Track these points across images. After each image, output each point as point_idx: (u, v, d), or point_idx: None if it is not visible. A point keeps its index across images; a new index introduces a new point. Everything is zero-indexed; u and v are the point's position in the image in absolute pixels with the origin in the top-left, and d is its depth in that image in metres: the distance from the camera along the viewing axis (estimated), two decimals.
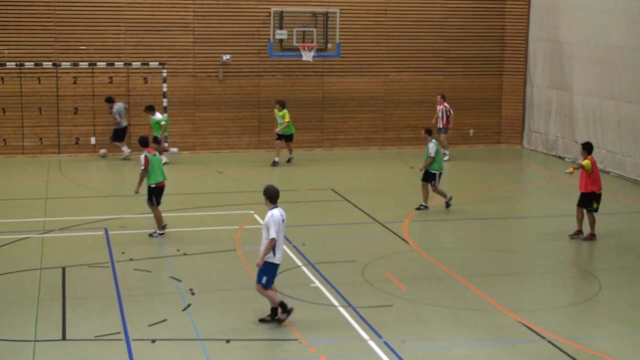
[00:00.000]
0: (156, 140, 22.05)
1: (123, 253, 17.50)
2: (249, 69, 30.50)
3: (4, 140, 28.92)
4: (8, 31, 28.79)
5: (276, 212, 13.57)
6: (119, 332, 13.29)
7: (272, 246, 13.41)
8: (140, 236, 19.00)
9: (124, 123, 28.84)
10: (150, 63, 29.82)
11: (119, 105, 28.74)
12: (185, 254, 17.53)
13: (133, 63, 29.69)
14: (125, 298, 14.88)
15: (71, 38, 29.22)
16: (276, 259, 13.57)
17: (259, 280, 13.59)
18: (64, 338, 13.12)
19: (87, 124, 29.60)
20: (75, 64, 29.28)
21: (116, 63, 29.58)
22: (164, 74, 29.91)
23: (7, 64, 28.84)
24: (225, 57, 30.07)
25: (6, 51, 28.74)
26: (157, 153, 19.10)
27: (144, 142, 18.98)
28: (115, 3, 29.27)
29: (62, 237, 18.92)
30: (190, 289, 15.33)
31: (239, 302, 14.88)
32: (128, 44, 29.66)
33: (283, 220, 13.64)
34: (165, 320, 13.82)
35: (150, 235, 18.82)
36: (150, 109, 27.41)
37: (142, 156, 18.67)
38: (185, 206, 21.71)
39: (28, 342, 12.91)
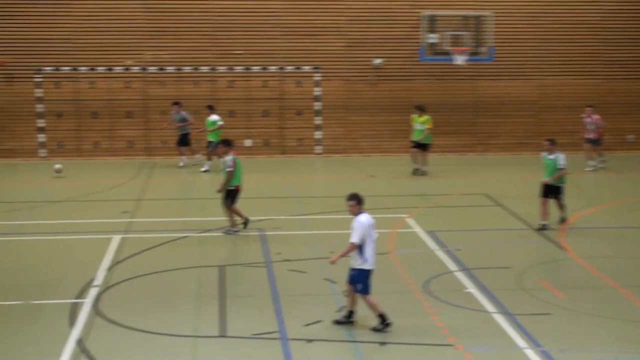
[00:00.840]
0: (211, 145, 21.84)
1: (278, 254, 17.77)
2: (400, 72, 30.52)
3: (164, 141, 29.89)
4: (167, 36, 29.74)
5: (363, 218, 13.41)
6: (276, 331, 13.48)
7: (351, 250, 13.33)
8: (295, 237, 19.26)
9: (188, 129, 28.64)
10: (304, 67, 30.21)
11: (183, 113, 28.52)
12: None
13: (287, 67, 30.16)
14: (282, 298, 15.08)
15: (227, 43, 29.94)
16: (367, 265, 13.48)
17: (355, 290, 13.59)
18: (223, 335, 13.41)
19: (242, 126, 30.27)
20: (230, 68, 29.97)
21: (270, 67, 30.11)
22: (317, 78, 30.24)
23: (167, 68, 29.80)
24: (377, 61, 30.16)
25: (166, 56, 29.70)
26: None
27: (228, 144, 19.45)
28: (269, 8, 29.85)
29: (219, 236, 19.37)
30: (344, 291, 15.37)
31: (392, 305, 14.81)
32: (282, 48, 30.16)
33: (371, 225, 13.45)
34: (320, 321, 13.93)
35: (226, 232, 19.22)
36: (211, 108, 27.56)
37: (230, 158, 19.09)
38: (336, 209, 21.85)
39: (188, 338, 13.24)
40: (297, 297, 15.23)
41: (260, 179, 26.90)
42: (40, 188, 25.93)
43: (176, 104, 28.22)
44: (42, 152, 30.08)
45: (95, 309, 14.39)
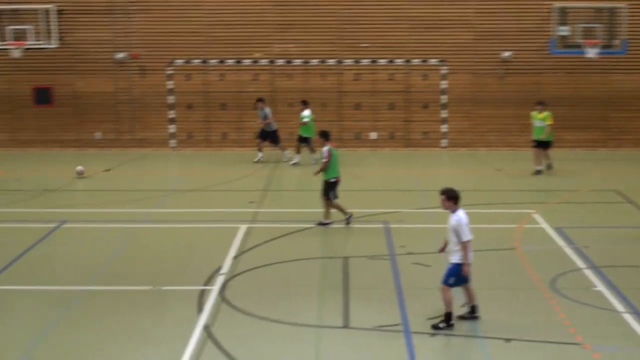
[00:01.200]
0: (302, 140, 21.18)
1: (402, 247, 17.70)
2: (529, 66, 29.96)
3: (290, 133, 30.18)
4: (295, 29, 30.01)
5: (462, 214, 13.32)
6: (399, 324, 13.44)
7: (469, 248, 13.25)
8: (419, 231, 19.17)
9: (274, 126, 28.30)
10: (430, 60, 30.01)
11: (266, 110, 28.03)
12: None
13: (413, 60, 30.01)
14: (405, 291, 15.02)
15: (354, 36, 29.99)
16: (469, 260, 13.34)
17: (445, 281, 13.33)
18: (346, 326, 13.46)
19: (367, 119, 30.30)
20: (357, 61, 30.02)
21: (397, 60, 30.01)
22: (444, 71, 29.99)
23: (294, 61, 30.07)
24: (506, 54, 29.69)
25: (294, 48, 29.97)
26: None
27: (325, 136, 19.48)
28: (397, 0, 29.72)
29: (344, 228, 19.43)
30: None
31: (519, 301, 14.60)
32: (409, 41, 30.02)
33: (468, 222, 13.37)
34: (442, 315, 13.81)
35: (320, 224, 19.26)
36: (304, 103, 27.25)
37: (326, 149, 19.15)
38: (462, 202, 21.58)
39: (311, 328, 13.34)
40: (420, 290, 15.14)
41: (385, 172, 26.85)
42: (170, 177, 26.57)
43: (260, 100, 28.10)
44: (172, 143, 30.81)
45: (222, 297, 14.66)
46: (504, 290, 15.26)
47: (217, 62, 30.33)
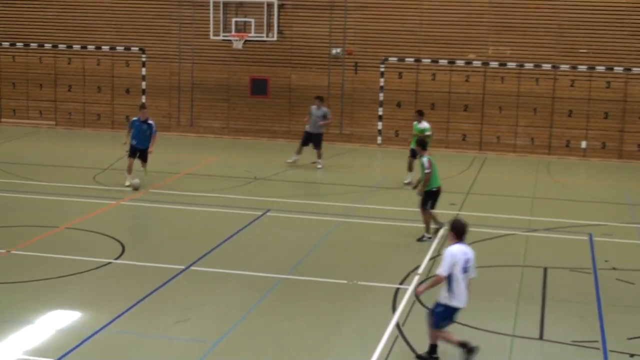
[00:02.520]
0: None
1: (606, 261, 17.11)
2: None
3: (498, 137, 29.82)
4: (511, 32, 29.55)
5: (456, 248, 11.68)
6: (597, 341, 13.00)
7: (436, 283, 11.71)
8: (625, 246, 18.47)
9: (321, 129, 26.31)
10: None
11: (325, 109, 26.36)
12: None
13: (633, 69, 28.87)
14: (606, 307, 14.51)
15: (572, 41, 29.18)
16: (453, 302, 11.77)
17: (429, 321, 12.04)
18: (541, 337, 13.16)
19: (579, 127, 29.45)
20: (574, 67, 29.21)
21: (615, 68, 28.96)
22: None
23: (508, 64, 29.63)
24: None
25: (509, 51, 29.53)
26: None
27: (423, 145, 18.56)
28: (617, 6, 28.66)
29: (545, 237, 19.01)
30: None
31: None
32: (629, 48, 28.88)
33: (467, 260, 11.69)
34: None
35: (420, 239, 18.33)
36: (420, 114, 24.35)
37: (426, 159, 18.21)
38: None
39: (506, 336, 13.14)
40: (622, 307, 14.60)
41: (594, 183, 25.99)
42: (374, 174, 26.75)
43: (318, 98, 26.70)
44: (379, 139, 31.08)
45: (416, 296, 14.68)
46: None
47: (429, 62, 30.32)
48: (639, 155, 29.20)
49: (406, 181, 23.93)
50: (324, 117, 26.27)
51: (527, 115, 29.63)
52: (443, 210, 20.83)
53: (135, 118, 22.67)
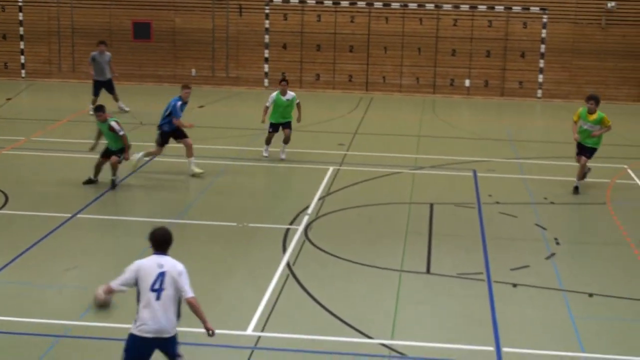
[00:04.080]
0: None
1: (490, 196, 17.60)
2: (635, 16, 29.04)
3: (383, 77, 30.10)
4: None
5: (145, 261, 8.94)
6: (481, 273, 13.43)
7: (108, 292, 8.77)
8: (508, 180, 19.01)
9: None
10: (531, 8, 29.38)
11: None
12: (552, 203, 17.27)
13: (514, 7, 29.43)
14: (489, 240, 14.98)
15: None
16: (133, 329, 8.78)
17: None
18: (428, 272, 13.52)
19: (463, 66, 29.95)
20: (456, 7, 29.60)
21: (497, 7, 29.47)
22: (544, 20, 29.34)
23: (392, 4, 29.81)
24: (610, 5, 28.86)
25: None
26: None
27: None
28: None
29: (431, 174, 19.42)
30: (555, 238, 15.09)
31: (604, 257, 14.43)
32: None
33: (161, 274, 8.77)
34: (527, 266, 13.75)
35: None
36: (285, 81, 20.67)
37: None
38: (554, 154, 21.33)
39: (394, 272, 13.43)
40: (505, 240, 15.08)
41: (477, 120, 26.57)
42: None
43: (102, 43, 25.37)
44: (266, 82, 30.99)
45: (306, 237, 14.85)
46: (589, 244, 15.08)
47: (314, 3, 30.25)
48: (520, 92, 29.93)
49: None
50: (109, 62, 25.25)
51: (412, 55, 29.96)
52: (332, 151, 21.06)
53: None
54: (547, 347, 10.88)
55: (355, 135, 23.38)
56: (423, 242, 14.81)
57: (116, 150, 17.23)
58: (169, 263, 8.84)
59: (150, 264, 8.79)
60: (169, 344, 8.79)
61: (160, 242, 9.02)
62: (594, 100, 17.65)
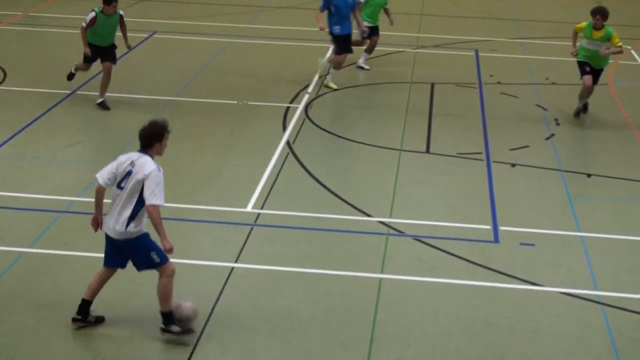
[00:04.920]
0: None
1: (491, 76, 17.54)
2: None
3: None
4: None
5: (123, 156, 8.31)
6: (480, 153, 13.50)
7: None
8: (510, 60, 18.91)
9: None
10: None
11: None
12: (554, 83, 17.23)
13: None
14: (490, 120, 15.01)
15: None
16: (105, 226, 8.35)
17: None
18: (427, 151, 13.59)
19: None
20: None
21: None
22: None
23: None
24: None
25: None
26: None
27: None
28: None
29: (433, 53, 19.30)
30: (556, 119, 15.12)
31: (604, 139, 14.46)
32: None
33: (128, 173, 8.10)
34: (527, 146, 13.81)
35: None
36: None
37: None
38: (558, 34, 21.11)
39: (394, 151, 13.50)
40: (505, 120, 15.11)
41: None
42: None
43: None
44: None
45: (306, 115, 14.87)
46: (591, 126, 15.08)
47: None
48: None
49: None
50: None
51: None
52: None
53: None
54: (543, 226, 11.03)
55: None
56: (423, 122, 14.85)
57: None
58: (139, 163, 8.06)
59: (125, 159, 8.18)
60: (125, 250, 8.21)
61: (140, 137, 8.20)
62: (599, 14, 14.65)
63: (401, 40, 20.14)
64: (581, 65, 14.92)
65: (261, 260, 9.91)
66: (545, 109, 15.64)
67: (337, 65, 16.10)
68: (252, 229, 10.72)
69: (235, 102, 15.47)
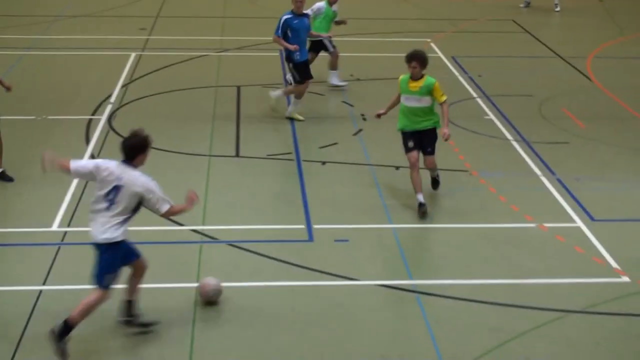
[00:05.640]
0: None
1: None
2: None
3: None
4: None
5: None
6: (290, 153, 13.62)
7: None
8: (315, 60, 19.11)
9: None
10: None
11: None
12: (358, 79, 17.61)
13: None
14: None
15: None
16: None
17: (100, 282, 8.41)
18: (237, 155, 13.58)
19: None
20: None
21: None
22: None
23: None
24: None
25: None
26: None
27: None
28: None
29: (237, 56, 19.31)
30: (362, 115, 15.44)
31: None
32: None
33: (115, 188, 8.31)
34: (336, 143, 14.04)
35: None
36: None
37: None
38: (360, 31, 21.59)
39: (204, 157, 13.42)
40: (313, 119, 15.29)
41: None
42: (55, 2, 25.59)
43: None
44: None
45: (110, 126, 14.56)
46: (394, 117, 15.45)
47: None
48: None
49: None
50: None
51: None
52: (134, 36, 20.55)
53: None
54: (356, 222, 11.26)
55: (157, 18, 22.83)
56: (231, 125, 14.83)
57: None
58: (128, 178, 8.32)
59: (106, 172, 8.36)
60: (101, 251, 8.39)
61: (124, 149, 8.55)
62: (416, 60, 11.63)
63: (204, 44, 20.06)
64: (403, 137, 11.84)
65: (71, 279, 9.60)
66: (351, 105, 15.95)
67: (299, 94, 15.17)
68: (59, 248, 10.39)
69: (34, 117, 14.95)
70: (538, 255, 10.56)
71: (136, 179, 8.31)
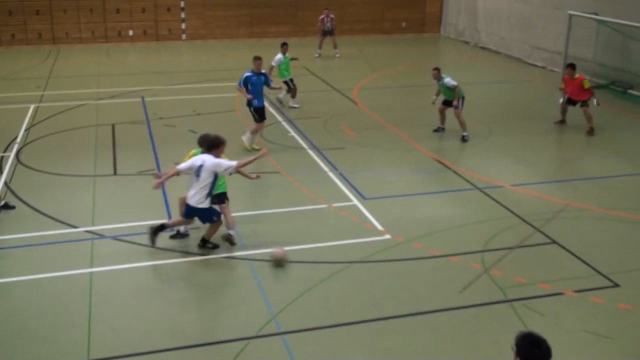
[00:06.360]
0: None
1: (155, 114, 17.29)
2: None
3: (66, 33, 28.05)
4: None
5: (202, 157, 9.59)
6: (154, 169, 13.28)
7: (173, 174, 9.64)
8: (167, 101, 18.74)
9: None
10: None
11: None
12: (199, 114, 17.38)
13: None
14: (158, 145, 14.79)
15: None
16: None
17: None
18: (115, 173, 13.12)
19: (126, 20, 28.65)
20: None
21: None
22: None
23: None
24: None
25: None
26: None
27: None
28: None
29: (111, 102, 18.63)
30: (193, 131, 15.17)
31: (231, 145, 14.82)
32: None
33: (200, 167, 9.42)
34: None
35: None
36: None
37: None
38: (199, 79, 21.33)
39: (89, 177, 12.89)
40: (169, 144, 14.98)
41: (141, 60, 25.77)
42: None
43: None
44: None
45: (18, 160, 13.73)
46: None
47: None
48: (170, 37, 29.28)
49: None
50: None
51: (86, 14, 28.09)
52: (32, 92, 19.44)
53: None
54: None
55: (50, 78, 21.69)
56: (109, 153, 14.30)
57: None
58: (207, 161, 9.38)
59: (198, 161, 9.43)
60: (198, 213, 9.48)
61: (202, 144, 9.65)
62: (202, 138, 10.09)
63: (86, 95, 19.23)
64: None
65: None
66: (195, 132, 15.67)
67: (255, 131, 14.45)
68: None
69: None
70: (329, 226, 10.77)
71: (210, 159, 9.35)
